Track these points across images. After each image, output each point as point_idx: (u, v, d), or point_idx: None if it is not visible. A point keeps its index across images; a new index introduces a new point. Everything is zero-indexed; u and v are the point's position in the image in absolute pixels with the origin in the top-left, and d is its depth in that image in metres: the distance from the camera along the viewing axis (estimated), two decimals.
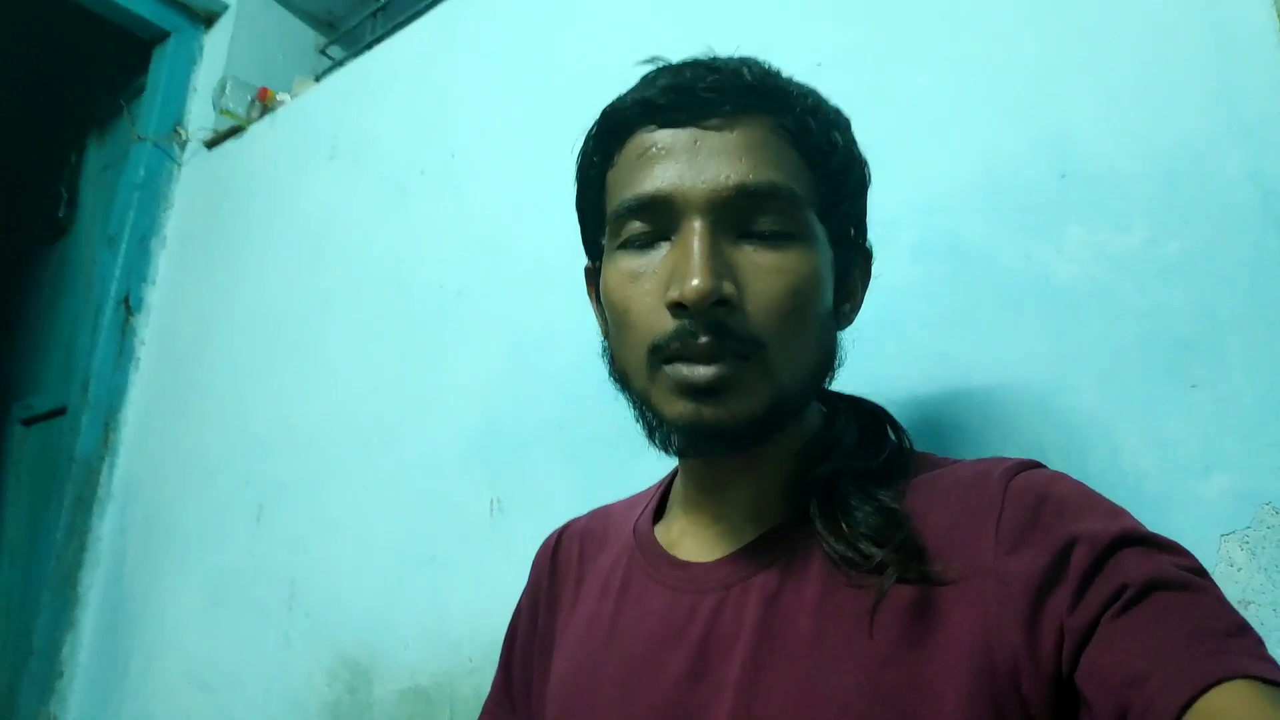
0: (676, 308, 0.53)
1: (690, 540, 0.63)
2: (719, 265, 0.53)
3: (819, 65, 0.97)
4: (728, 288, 0.53)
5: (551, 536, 0.78)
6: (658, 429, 0.57)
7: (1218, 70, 0.70)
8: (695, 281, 0.52)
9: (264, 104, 1.92)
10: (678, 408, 0.54)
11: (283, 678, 1.31)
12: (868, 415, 0.64)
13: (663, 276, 0.55)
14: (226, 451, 1.61)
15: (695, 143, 0.55)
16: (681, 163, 0.55)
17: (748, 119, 0.56)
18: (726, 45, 1.07)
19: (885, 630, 0.51)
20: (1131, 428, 0.68)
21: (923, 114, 0.87)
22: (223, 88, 1.90)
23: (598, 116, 0.62)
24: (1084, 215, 0.74)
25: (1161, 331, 0.68)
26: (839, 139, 0.60)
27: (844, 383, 0.70)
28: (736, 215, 0.55)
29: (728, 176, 0.54)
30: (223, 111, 1.92)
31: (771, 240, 0.55)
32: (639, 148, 0.57)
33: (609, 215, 0.60)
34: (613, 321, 0.59)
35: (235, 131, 1.95)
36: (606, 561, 0.69)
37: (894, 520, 0.54)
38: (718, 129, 0.56)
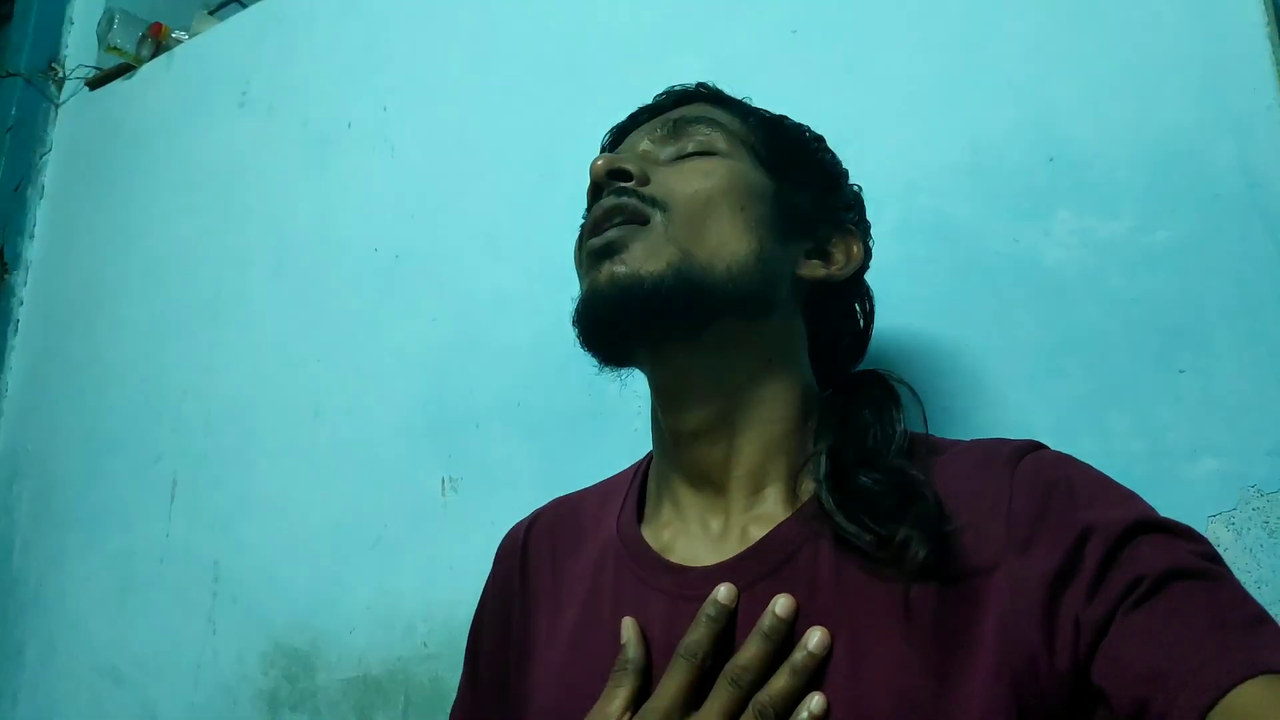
0: (591, 191, 0.61)
1: (684, 541, 0.60)
2: (632, 156, 0.61)
3: (794, 32, 0.95)
4: (632, 167, 0.59)
5: (517, 531, 0.73)
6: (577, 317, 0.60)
7: (1205, 63, 0.72)
8: (600, 161, 0.59)
9: (158, 41, 1.75)
10: (587, 279, 0.58)
11: (211, 665, 1.23)
12: (867, 384, 0.62)
13: None
14: (131, 423, 1.49)
15: (650, 121, 0.66)
16: (639, 134, 0.66)
17: (692, 102, 0.67)
18: (693, 5, 1.03)
19: (908, 636, 0.49)
20: (1121, 412, 0.69)
21: (903, 89, 0.86)
22: (110, 21, 1.72)
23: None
24: (1072, 200, 0.75)
25: (1149, 317, 0.70)
26: (785, 121, 0.68)
27: None
28: (668, 141, 0.63)
29: (667, 121, 0.64)
30: (110, 49, 1.73)
31: (694, 156, 0.61)
32: None
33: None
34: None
35: (124, 71, 1.77)
36: (587, 561, 0.65)
37: (910, 488, 0.52)
38: (667, 109, 0.67)
